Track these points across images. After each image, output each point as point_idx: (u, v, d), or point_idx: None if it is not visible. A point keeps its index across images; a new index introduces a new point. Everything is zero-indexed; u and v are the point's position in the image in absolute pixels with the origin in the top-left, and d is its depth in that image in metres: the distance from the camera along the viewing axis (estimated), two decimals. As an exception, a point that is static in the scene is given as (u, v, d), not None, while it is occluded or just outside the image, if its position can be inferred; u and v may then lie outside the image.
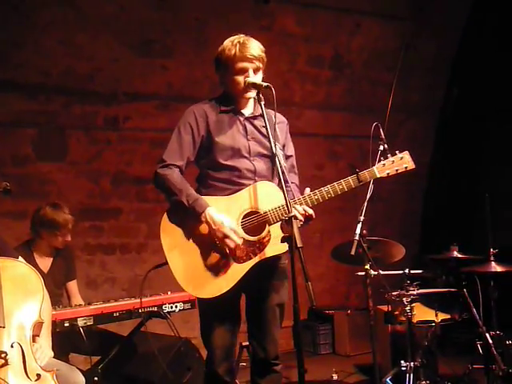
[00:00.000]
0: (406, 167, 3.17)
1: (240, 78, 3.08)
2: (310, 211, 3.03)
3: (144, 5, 5.45)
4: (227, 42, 3.12)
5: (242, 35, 3.13)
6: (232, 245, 2.97)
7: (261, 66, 3.13)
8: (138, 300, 3.96)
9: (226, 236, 2.96)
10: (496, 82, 6.39)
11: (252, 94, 3.10)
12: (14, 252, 3.23)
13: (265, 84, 3.00)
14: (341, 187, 3.06)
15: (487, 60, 6.50)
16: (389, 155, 3.19)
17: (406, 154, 3.18)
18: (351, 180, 3.07)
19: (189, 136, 3.11)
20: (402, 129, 6.97)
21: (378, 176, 3.13)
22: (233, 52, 3.06)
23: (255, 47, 3.10)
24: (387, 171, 3.14)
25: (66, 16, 5.23)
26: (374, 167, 3.13)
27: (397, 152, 3.18)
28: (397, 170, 3.15)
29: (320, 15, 6.25)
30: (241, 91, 3.10)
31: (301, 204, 3.02)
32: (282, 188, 2.86)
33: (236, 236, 2.97)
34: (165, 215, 3.08)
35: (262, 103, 3.01)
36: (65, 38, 5.30)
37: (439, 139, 7.32)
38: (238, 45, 3.07)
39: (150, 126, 5.76)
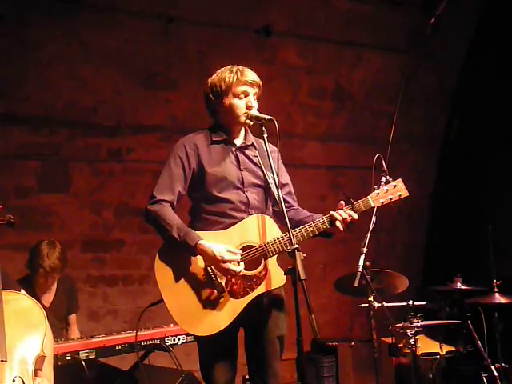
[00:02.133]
0: (399, 195, 3.14)
1: (241, 103, 3.09)
2: (356, 216, 3.03)
3: (147, 38, 5.51)
4: (224, 71, 3.14)
5: (234, 65, 3.17)
6: (232, 276, 2.95)
7: (259, 92, 3.16)
8: (141, 333, 3.94)
9: (223, 269, 2.94)
10: (497, 113, 6.43)
11: (247, 120, 3.11)
12: (16, 285, 3.22)
13: (268, 117, 3.01)
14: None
15: (488, 91, 6.54)
16: (382, 183, 3.17)
17: (399, 182, 3.17)
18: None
19: (179, 170, 3.08)
20: (404, 160, 6.98)
21: (373, 205, 3.11)
22: (234, 78, 3.09)
23: (253, 74, 3.15)
24: (381, 200, 3.12)
25: (70, 49, 5.29)
26: (368, 197, 3.12)
27: (390, 180, 3.17)
28: (391, 199, 3.13)
29: (321, 48, 6.31)
30: (240, 116, 3.10)
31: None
32: (284, 218, 2.85)
33: (234, 265, 2.93)
34: (157, 253, 3.04)
35: (265, 136, 3.03)
36: (69, 71, 5.36)
37: (441, 170, 7.33)
38: (237, 71, 3.11)
39: (153, 158, 5.77)
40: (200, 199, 3.13)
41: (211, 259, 2.94)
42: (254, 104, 3.11)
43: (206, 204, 3.10)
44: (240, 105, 3.10)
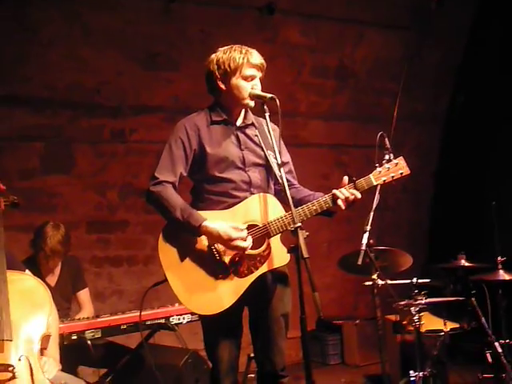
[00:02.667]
0: (401, 173, 3.14)
1: (246, 84, 3.08)
2: (359, 194, 3.04)
3: (149, 18, 5.48)
4: (232, 51, 3.10)
5: (241, 45, 3.14)
6: (242, 251, 2.95)
7: (262, 76, 3.15)
8: (146, 312, 3.97)
9: (232, 247, 2.95)
10: (501, 90, 6.39)
11: (251, 103, 3.11)
12: (21, 265, 3.25)
13: (269, 95, 3.00)
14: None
15: (492, 68, 6.50)
16: (384, 161, 3.16)
17: (400, 160, 3.16)
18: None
19: (180, 151, 3.07)
20: (408, 138, 6.96)
21: (375, 183, 3.11)
22: (245, 59, 3.06)
23: (261, 57, 3.14)
24: (383, 178, 3.12)
25: (71, 30, 5.27)
26: (370, 175, 3.11)
27: (392, 158, 3.17)
28: (393, 177, 3.13)
29: (324, 26, 6.26)
30: (245, 98, 3.09)
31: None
32: (287, 196, 2.85)
33: (241, 241, 2.94)
34: (161, 234, 3.05)
35: (267, 114, 3.02)
36: (70, 52, 5.34)
37: (445, 148, 7.31)
38: (247, 53, 3.09)
39: (156, 139, 5.75)
40: (202, 180, 3.12)
41: (217, 239, 2.95)
42: (259, 87, 3.11)
43: (208, 184, 3.10)
44: (246, 87, 3.08)
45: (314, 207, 3.04)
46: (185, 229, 2.98)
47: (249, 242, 2.97)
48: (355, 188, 3.07)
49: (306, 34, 6.24)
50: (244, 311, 3.16)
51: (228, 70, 3.08)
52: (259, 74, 3.12)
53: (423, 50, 6.70)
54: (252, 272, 3.00)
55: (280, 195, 3.12)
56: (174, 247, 3.02)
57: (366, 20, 6.35)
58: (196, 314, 3.85)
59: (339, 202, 3.03)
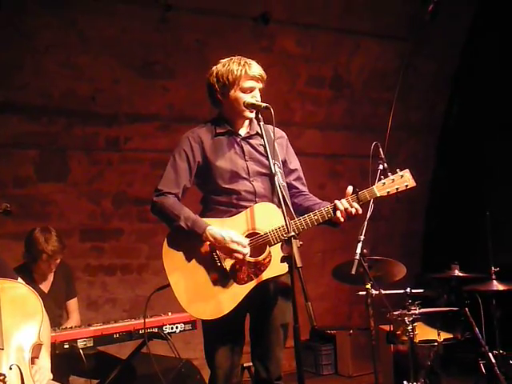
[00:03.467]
0: (406, 185, 3.13)
1: (245, 97, 3.09)
2: (360, 210, 3.05)
3: (145, 27, 5.49)
4: (231, 63, 3.12)
5: (240, 57, 3.16)
6: (241, 257, 2.97)
7: (262, 86, 3.17)
8: (139, 321, 3.95)
9: (232, 251, 2.97)
10: (496, 100, 6.41)
11: (251, 114, 3.12)
12: (13, 273, 3.22)
13: (264, 104, 3.02)
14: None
15: (486, 77, 6.52)
16: (389, 174, 3.17)
17: (406, 172, 3.16)
18: (351, 199, 3.06)
19: (184, 163, 3.12)
20: (403, 148, 6.98)
21: (378, 195, 3.10)
22: (243, 71, 3.08)
23: (260, 68, 3.16)
24: (387, 190, 3.11)
25: (67, 38, 5.27)
26: (373, 186, 3.11)
27: (397, 170, 3.16)
28: (397, 189, 3.12)
29: (320, 36, 6.29)
30: (244, 110, 3.11)
31: (297, 227, 3.01)
32: (281, 207, 2.86)
33: (241, 247, 2.97)
34: (165, 240, 3.10)
35: (262, 123, 3.03)
36: (66, 59, 5.34)
37: (440, 158, 7.33)
38: (246, 65, 3.11)
39: (151, 147, 5.78)
40: (208, 190, 3.17)
41: (219, 241, 2.98)
42: (259, 99, 3.12)
43: (214, 195, 3.14)
44: (246, 99, 3.10)
45: (316, 217, 3.04)
46: (189, 236, 3.03)
47: (248, 250, 2.99)
48: (357, 199, 3.07)
49: (301, 43, 6.26)
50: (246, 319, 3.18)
51: (227, 82, 3.11)
52: (259, 86, 3.14)
53: (418, 60, 6.72)
54: (252, 279, 3.02)
55: (298, 199, 3.21)
56: (177, 253, 3.07)
57: (361, 30, 6.37)
58: (189, 322, 3.93)
59: (338, 213, 3.03)
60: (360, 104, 6.83)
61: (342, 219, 3.04)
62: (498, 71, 6.38)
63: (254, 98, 3.10)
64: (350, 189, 3.09)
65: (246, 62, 3.13)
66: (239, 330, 3.14)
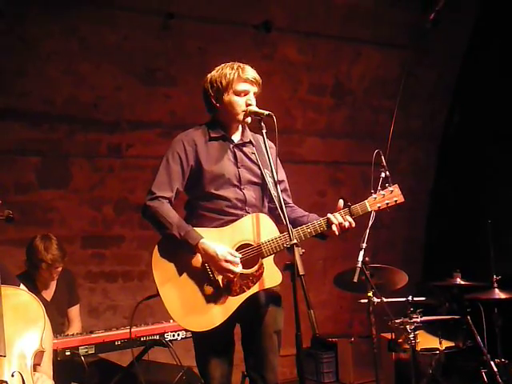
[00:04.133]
0: (395, 200, 3.19)
1: (241, 100, 3.09)
2: (353, 223, 3.07)
3: (147, 34, 5.50)
4: (225, 67, 3.14)
5: (234, 62, 3.17)
6: (231, 276, 2.96)
7: (258, 91, 3.16)
8: (140, 328, 3.95)
9: (223, 269, 2.95)
10: (497, 108, 6.42)
11: (248, 119, 3.12)
12: (15, 280, 3.22)
13: (266, 112, 3.01)
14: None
15: (487, 86, 6.53)
16: (387, 184, 3.22)
17: (395, 188, 3.21)
18: (343, 213, 3.08)
19: (178, 166, 3.08)
20: (404, 155, 6.99)
21: (370, 210, 3.15)
22: (236, 74, 3.08)
23: (254, 72, 3.15)
24: (378, 205, 3.17)
25: (69, 45, 5.28)
26: (365, 201, 3.16)
27: (387, 185, 3.21)
28: (387, 204, 3.17)
29: (321, 44, 6.30)
30: (239, 114, 3.10)
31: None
32: (283, 215, 2.85)
33: (233, 266, 2.95)
34: (155, 249, 3.06)
35: (264, 131, 3.03)
36: (68, 66, 5.35)
37: (441, 165, 7.33)
38: (239, 68, 3.11)
39: (153, 154, 5.75)
40: (197, 196, 3.13)
41: (212, 258, 2.95)
42: (253, 102, 3.11)
43: (203, 201, 3.10)
44: (240, 102, 3.09)
45: (309, 230, 3.05)
46: (181, 246, 2.99)
47: (240, 268, 2.97)
48: (350, 213, 3.09)
49: (303, 51, 6.27)
50: (236, 328, 3.15)
51: (220, 86, 3.11)
52: (253, 89, 3.12)
53: (419, 69, 6.74)
54: (244, 291, 3.00)
55: (273, 213, 3.15)
56: (167, 263, 3.03)
57: (362, 38, 6.39)
58: (189, 330, 3.88)
59: (333, 227, 3.05)
60: (361, 112, 6.83)
61: (337, 233, 3.06)
62: (498, 80, 6.39)
63: (249, 101, 3.09)
64: (341, 202, 3.09)
65: (239, 65, 3.13)
66: (229, 339, 3.13)
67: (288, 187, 3.35)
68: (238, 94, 3.09)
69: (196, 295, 2.99)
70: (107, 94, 5.60)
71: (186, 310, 2.98)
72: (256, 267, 3.01)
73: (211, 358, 3.06)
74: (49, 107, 5.42)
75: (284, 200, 3.17)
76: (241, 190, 3.11)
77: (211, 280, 2.99)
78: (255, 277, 3.01)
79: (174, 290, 2.99)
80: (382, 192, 3.18)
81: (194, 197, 3.15)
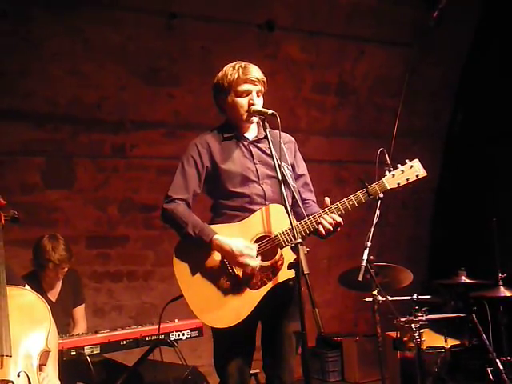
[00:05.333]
0: (417, 175, 3.07)
1: (243, 101, 3.09)
2: (339, 219, 2.99)
3: (150, 34, 5.51)
4: (227, 68, 3.14)
5: (238, 61, 3.16)
6: (249, 270, 2.96)
7: (263, 89, 3.15)
8: (146, 328, 3.95)
9: (240, 264, 2.95)
10: (501, 106, 6.41)
11: (255, 118, 3.12)
12: (20, 280, 3.23)
13: (270, 111, 3.01)
14: (351, 203, 3.01)
15: (491, 84, 6.52)
16: (398, 165, 3.11)
17: (415, 162, 3.10)
18: (361, 195, 3.02)
19: (193, 169, 3.11)
20: (408, 154, 6.88)
21: (389, 187, 3.04)
22: (236, 75, 3.08)
23: (257, 70, 3.14)
24: (398, 181, 3.05)
25: (73, 45, 5.29)
26: (383, 179, 3.06)
27: (407, 160, 3.11)
28: (407, 180, 3.06)
29: (324, 42, 6.30)
30: (243, 115, 3.10)
31: (307, 226, 3.00)
32: (288, 214, 2.83)
33: (250, 259, 2.95)
34: (175, 249, 3.09)
35: (268, 130, 3.02)
36: (72, 67, 5.36)
37: (445, 164, 7.32)
38: (240, 68, 3.11)
39: (157, 154, 5.79)
40: (218, 195, 3.15)
41: (228, 254, 2.96)
42: (257, 101, 3.11)
43: (224, 199, 3.12)
44: (242, 103, 3.10)
45: (302, 228, 3.01)
46: (197, 244, 3.01)
47: (258, 262, 2.96)
48: (367, 193, 3.02)
49: (306, 50, 6.27)
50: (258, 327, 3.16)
51: (223, 88, 3.12)
52: (256, 88, 3.11)
53: (423, 67, 6.73)
54: (265, 283, 2.99)
55: (295, 208, 3.12)
56: (187, 262, 3.05)
57: (366, 36, 6.38)
58: (200, 325, 3.94)
59: (320, 227, 2.99)
60: (365, 110, 6.83)
61: (323, 232, 2.99)
62: (502, 78, 6.38)
63: (252, 101, 3.08)
64: (327, 200, 3.04)
65: (240, 65, 3.12)
66: (251, 338, 3.13)
67: (309, 181, 3.33)
68: (239, 94, 3.10)
69: (217, 291, 3.00)
70: (111, 94, 5.60)
71: (209, 308, 2.99)
72: (276, 258, 3.00)
73: (230, 356, 3.06)
74: (53, 108, 5.43)
75: (302, 195, 3.20)
76: (260, 185, 3.12)
77: (231, 275, 3.00)
78: (276, 268, 3.00)
79: (196, 288, 3.01)
80: (400, 168, 3.06)
81: (215, 197, 3.18)
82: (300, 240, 2.75)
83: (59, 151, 5.56)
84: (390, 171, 3.08)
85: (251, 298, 2.98)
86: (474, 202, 6.56)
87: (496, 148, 6.47)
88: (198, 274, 3.02)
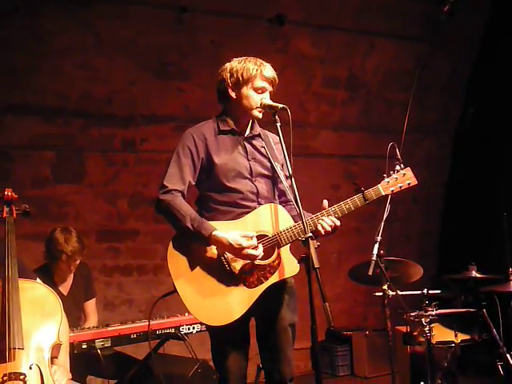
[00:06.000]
0: (408, 183, 3.20)
1: (257, 97, 3.10)
2: (338, 222, 3.03)
3: (160, 28, 5.51)
4: (247, 61, 3.14)
5: (256, 58, 3.18)
6: (254, 260, 2.95)
7: (273, 91, 3.18)
8: (156, 321, 3.97)
9: (244, 256, 2.95)
10: (511, 101, 6.37)
11: (259, 114, 3.13)
12: (32, 274, 3.26)
13: (281, 105, 3.01)
14: (347, 207, 3.07)
15: (502, 79, 6.49)
16: (399, 168, 3.22)
17: (408, 171, 3.21)
18: (357, 199, 3.09)
19: (188, 159, 3.09)
20: (419, 148, 6.95)
21: (383, 194, 3.15)
22: (258, 71, 3.10)
23: (274, 72, 3.17)
24: (391, 188, 3.16)
25: (83, 40, 5.31)
26: (378, 185, 3.15)
27: (399, 168, 3.22)
28: (400, 187, 3.18)
29: (335, 37, 6.28)
30: (252, 109, 3.11)
31: (314, 223, 3.01)
32: (298, 208, 2.85)
33: (253, 250, 2.94)
34: (170, 243, 3.06)
35: (278, 125, 3.02)
36: (82, 61, 5.38)
37: (456, 158, 7.29)
38: (261, 65, 3.13)
39: (167, 148, 5.72)
40: (209, 189, 3.13)
41: (228, 248, 2.95)
42: (270, 101, 3.12)
43: (216, 193, 3.10)
44: (256, 98, 3.11)
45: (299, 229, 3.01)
46: (195, 238, 2.99)
47: (260, 251, 2.97)
48: (364, 198, 3.09)
49: (316, 44, 6.26)
50: (251, 322, 3.16)
51: (240, 79, 3.11)
52: (270, 88, 3.15)
53: (434, 61, 6.70)
54: (262, 282, 3.00)
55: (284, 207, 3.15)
56: (183, 257, 3.03)
57: (376, 30, 6.36)
58: (207, 324, 3.89)
59: (320, 228, 3.01)
60: (375, 104, 6.81)
61: (322, 232, 3.01)
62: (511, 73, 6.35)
63: (264, 100, 3.10)
64: (325, 202, 3.07)
65: (261, 63, 3.15)
66: (245, 333, 3.13)
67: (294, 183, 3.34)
68: (256, 89, 3.11)
69: (213, 288, 2.98)
70: (121, 88, 5.62)
71: (204, 304, 2.98)
72: (273, 257, 3.00)
73: (227, 352, 3.06)
74: (63, 102, 5.45)
75: (287, 197, 3.19)
76: (252, 182, 3.12)
77: (227, 272, 2.99)
78: (273, 267, 3.01)
79: (191, 284, 2.99)
80: (394, 175, 3.18)
81: (205, 190, 3.15)
82: (310, 234, 2.76)
83: (70, 145, 5.59)
84: (386, 177, 3.18)
85: (247, 297, 2.98)
86: (484, 196, 6.53)
87: (506, 142, 6.44)
88: (194, 270, 3.00)
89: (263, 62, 3.16)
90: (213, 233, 2.95)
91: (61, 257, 4.23)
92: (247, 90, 3.11)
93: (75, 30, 5.24)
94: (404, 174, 3.19)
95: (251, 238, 2.97)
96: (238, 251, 2.94)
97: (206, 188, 3.15)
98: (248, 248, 2.94)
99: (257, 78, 3.10)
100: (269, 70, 3.14)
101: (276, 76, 3.16)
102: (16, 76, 5.17)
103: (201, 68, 5.70)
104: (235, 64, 3.15)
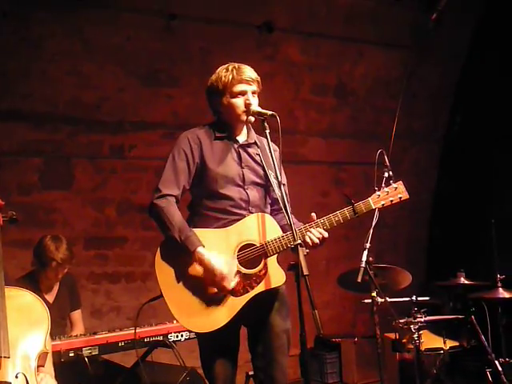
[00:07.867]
0: (400, 197, 3.16)
1: (239, 101, 3.09)
2: (326, 234, 3.02)
3: (150, 35, 5.51)
4: (221, 70, 3.14)
5: (231, 63, 3.16)
6: (224, 291, 2.95)
7: (257, 89, 3.15)
8: (144, 329, 3.95)
9: (216, 284, 2.94)
10: (499, 109, 6.41)
11: (251, 118, 3.11)
12: (13, 283, 3.21)
13: (270, 112, 3.00)
14: (337, 219, 3.05)
15: (490, 86, 6.53)
16: (391, 181, 3.20)
17: (400, 185, 3.18)
18: (347, 212, 3.07)
19: (184, 163, 3.08)
20: (407, 155, 6.98)
21: (374, 207, 3.12)
22: (230, 76, 3.08)
23: (250, 70, 3.15)
24: (382, 202, 3.14)
25: (72, 46, 5.28)
26: (369, 198, 3.13)
27: (391, 182, 3.19)
28: (391, 201, 3.15)
29: (323, 44, 6.30)
30: (240, 115, 3.10)
31: (302, 234, 3.00)
32: (287, 215, 2.84)
33: (227, 282, 2.94)
34: (158, 250, 3.05)
35: (267, 132, 3.02)
36: (71, 67, 5.35)
37: (444, 165, 7.33)
38: (233, 70, 3.11)
39: (156, 155, 5.77)
40: (201, 195, 3.12)
41: (207, 270, 2.95)
42: (253, 101, 3.10)
43: (207, 200, 3.09)
44: (238, 103, 3.09)
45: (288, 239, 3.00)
46: (181, 249, 2.98)
47: (233, 285, 2.96)
48: (354, 211, 3.07)
49: (305, 51, 6.27)
50: (241, 330, 3.14)
51: (218, 90, 3.11)
52: (251, 88, 3.11)
53: (422, 69, 6.73)
54: (248, 291, 2.99)
55: (275, 216, 3.15)
56: (170, 264, 3.02)
57: (365, 38, 6.38)
58: (193, 331, 3.88)
59: (307, 239, 3.00)
60: (364, 112, 6.83)
61: (310, 244, 3.00)
62: (501, 79, 6.38)
63: (249, 101, 3.08)
64: (313, 215, 3.05)
65: (234, 66, 3.12)
66: (234, 341, 3.12)
67: (287, 192, 3.29)
68: (235, 95, 3.09)
69: (199, 296, 2.98)
70: (110, 94, 5.60)
71: (190, 311, 2.97)
72: (259, 267, 3.00)
73: (215, 359, 3.05)
74: (52, 108, 5.42)
75: (278, 205, 3.16)
76: (244, 190, 3.11)
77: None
78: (259, 277, 3.00)
79: (178, 291, 2.99)
80: (385, 189, 3.16)
81: (197, 196, 3.15)
82: (300, 241, 2.76)
83: (57, 152, 5.55)
84: (377, 190, 3.16)
85: (233, 306, 2.97)
86: (472, 203, 6.56)
87: (494, 149, 6.48)
88: (181, 277, 3.00)
89: (236, 65, 3.13)
90: (197, 250, 2.94)
91: (50, 264, 4.20)
92: (228, 99, 3.10)
93: (64, 35, 5.22)
94: (396, 188, 3.16)
95: (232, 269, 2.96)
96: (213, 278, 2.93)
97: (197, 193, 3.15)
98: (225, 278, 2.93)
99: (231, 83, 3.08)
100: (242, 71, 3.10)
101: (254, 74, 3.13)
102: (4, 81, 5.14)
103: (190, 75, 5.69)
104: (213, 77, 3.16)
